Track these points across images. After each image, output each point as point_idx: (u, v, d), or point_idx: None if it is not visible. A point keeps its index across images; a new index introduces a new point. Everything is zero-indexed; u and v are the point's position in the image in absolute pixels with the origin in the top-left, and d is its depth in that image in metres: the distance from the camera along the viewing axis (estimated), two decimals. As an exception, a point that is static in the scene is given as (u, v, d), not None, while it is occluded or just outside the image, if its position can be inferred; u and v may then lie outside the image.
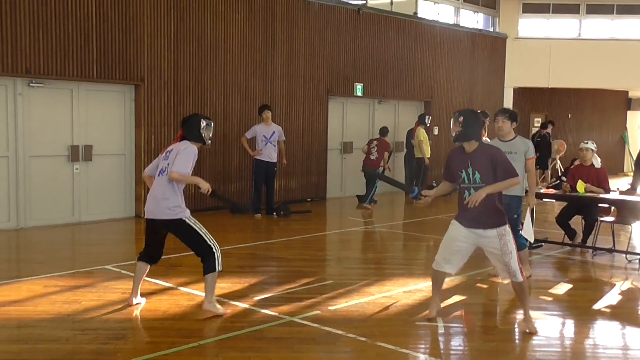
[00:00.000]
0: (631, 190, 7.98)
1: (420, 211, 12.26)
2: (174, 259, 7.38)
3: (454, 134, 5.11)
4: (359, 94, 13.91)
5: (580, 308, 6.01)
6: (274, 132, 10.96)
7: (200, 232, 5.37)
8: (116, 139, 10.49)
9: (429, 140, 13.73)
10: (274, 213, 11.04)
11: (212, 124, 5.63)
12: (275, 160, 11.05)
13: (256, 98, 11.99)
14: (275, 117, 11.44)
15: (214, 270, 5.35)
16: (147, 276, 6.57)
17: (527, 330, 5.16)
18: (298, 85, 12.78)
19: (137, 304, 5.62)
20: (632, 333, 5.41)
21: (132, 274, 6.68)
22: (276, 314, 5.45)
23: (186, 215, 5.36)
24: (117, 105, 10.46)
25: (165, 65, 10.68)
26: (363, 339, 4.90)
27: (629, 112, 22.76)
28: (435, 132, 15.58)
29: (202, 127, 5.46)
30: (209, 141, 5.59)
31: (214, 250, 5.36)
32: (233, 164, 11.74)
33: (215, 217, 10.84)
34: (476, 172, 5.02)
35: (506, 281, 5.52)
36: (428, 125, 13.60)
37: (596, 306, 6.05)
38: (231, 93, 11.65)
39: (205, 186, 5.44)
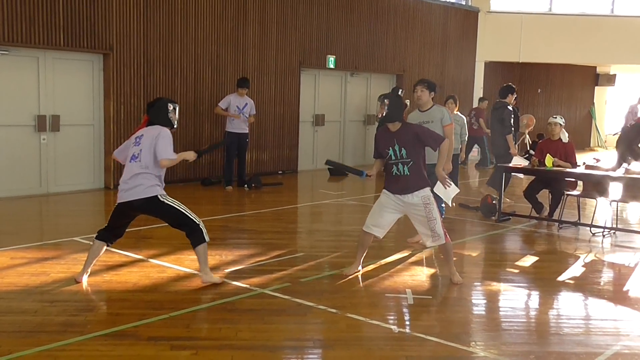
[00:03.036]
0: (615, 167, 8.13)
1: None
2: (145, 230, 7.34)
3: (380, 116, 5.79)
4: (332, 66, 13.85)
5: (545, 280, 6.15)
6: (246, 103, 10.91)
7: (180, 209, 5.34)
8: (84, 109, 10.31)
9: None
10: (246, 185, 11.02)
11: (178, 107, 5.60)
12: (247, 131, 11.00)
13: (227, 69, 11.86)
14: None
15: (204, 241, 5.39)
16: (117, 248, 6.56)
17: (455, 282, 5.77)
18: (270, 57, 12.67)
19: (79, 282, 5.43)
20: (595, 304, 5.57)
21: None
22: (247, 286, 5.48)
23: (161, 192, 5.30)
24: (85, 74, 10.26)
25: (135, 34, 10.48)
26: (334, 310, 4.95)
27: (596, 88, 23.06)
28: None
29: (169, 111, 5.44)
30: (176, 124, 5.56)
31: (198, 222, 5.38)
32: (204, 135, 11.64)
33: (186, 189, 10.79)
34: (402, 148, 5.58)
35: (429, 244, 5.86)
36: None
37: (561, 278, 6.20)
38: (202, 63, 11.50)
39: (191, 156, 5.53)
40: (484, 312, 5.31)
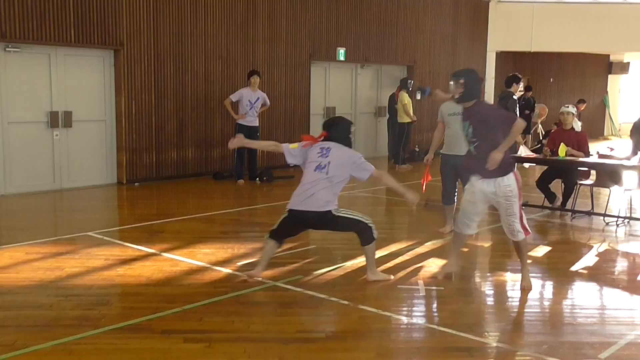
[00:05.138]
0: (629, 156, 8.06)
1: (403, 176, 12.32)
2: (157, 225, 7.39)
3: (457, 96, 5.24)
4: (342, 58, 13.82)
5: (559, 270, 6.13)
6: (258, 98, 10.93)
7: (350, 216, 5.35)
8: (96, 105, 10.37)
9: (412, 104, 13.71)
10: (257, 178, 11.04)
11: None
12: (257, 125, 11.02)
13: (238, 62, 11.87)
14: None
15: (372, 240, 5.37)
16: (131, 242, 6.61)
17: (523, 287, 5.37)
18: (280, 50, 12.66)
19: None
20: (608, 293, 5.54)
21: (116, 241, 6.73)
22: (259, 278, 5.50)
23: (334, 207, 5.29)
24: (97, 70, 10.31)
25: (145, 30, 10.51)
26: (345, 302, 4.96)
27: (609, 76, 22.88)
28: (418, 97, 15.57)
29: (351, 132, 5.51)
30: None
31: (367, 223, 5.36)
32: (215, 129, 11.67)
33: (198, 183, 10.83)
34: (470, 126, 5.22)
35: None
36: (410, 89, 13.57)
37: (574, 268, 6.17)
38: (212, 57, 11.52)
39: (412, 197, 5.47)
40: (496, 303, 5.30)
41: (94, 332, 4.28)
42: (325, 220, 5.27)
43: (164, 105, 10.89)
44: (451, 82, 5.26)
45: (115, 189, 10.29)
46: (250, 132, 10.93)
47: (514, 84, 9.52)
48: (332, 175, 5.23)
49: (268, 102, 11.19)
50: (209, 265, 5.87)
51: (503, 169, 5.14)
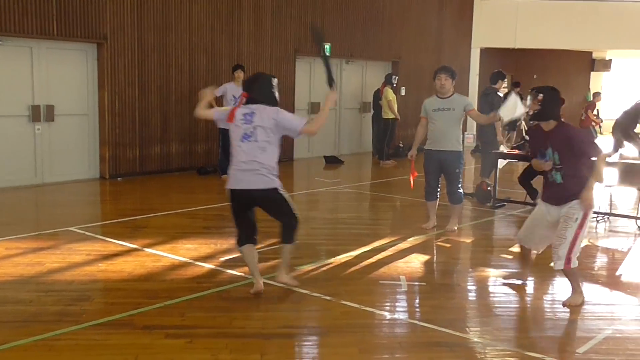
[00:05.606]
0: (611, 153, 8.14)
1: (386, 172, 12.37)
2: (140, 220, 7.35)
3: (531, 112, 4.91)
4: (327, 53, 13.77)
5: (538, 265, 6.17)
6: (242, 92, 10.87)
7: (289, 203, 4.94)
8: (79, 99, 10.28)
9: (396, 100, 13.74)
10: (241, 174, 10.99)
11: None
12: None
13: (223, 57, 11.83)
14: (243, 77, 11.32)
15: (295, 239, 5.03)
16: (113, 238, 6.58)
17: (569, 304, 4.97)
18: (265, 44, 12.63)
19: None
20: (588, 289, 5.58)
21: (98, 236, 6.69)
22: (242, 274, 5.50)
23: (279, 184, 4.88)
24: (79, 64, 10.22)
25: (129, 23, 10.44)
26: (328, 297, 4.97)
27: (592, 74, 23.08)
28: (403, 92, 15.61)
29: (273, 87, 4.93)
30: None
31: (297, 220, 4.99)
32: (200, 124, 11.62)
33: (182, 178, 10.79)
34: (555, 152, 4.86)
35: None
36: (395, 85, 13.60)
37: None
38: (197, 52, 11.47)
39: (333, 96, 5.06)
40: (478, 299, 5.34)
41: (74, 327, 4.26)
42: (271, 198, 4.84)
43: (147, 99, 10.83)
44: (529, 96, 4.93)
45: (97, 183, 10.22)
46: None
47: (499, 81, 9.58)
48: (262, 142, 4.72)
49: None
50: (191, 261, 5.85)
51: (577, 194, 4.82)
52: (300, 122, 4.87)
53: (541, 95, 4.81)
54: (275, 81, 5.00)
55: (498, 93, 9.48)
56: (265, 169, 4.76)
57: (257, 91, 4.89)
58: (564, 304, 4.97)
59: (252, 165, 4.74)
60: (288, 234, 5.01)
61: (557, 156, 4.84)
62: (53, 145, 10.02)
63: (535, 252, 5.51)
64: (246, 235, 5.01)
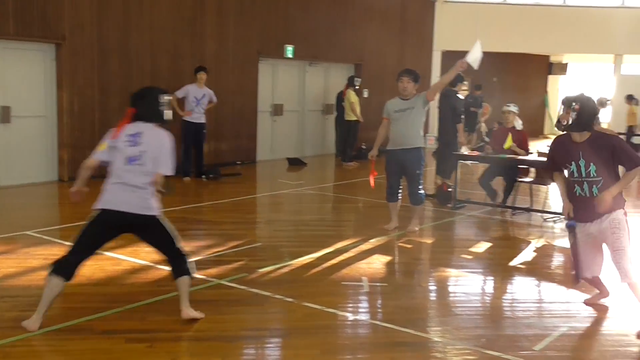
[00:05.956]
0: None
1: (350, 173, 12.43)
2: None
3: (565, 123, 4.55)
4: (290, 55, 13.81)
5: (498, 265, 6.30)
6: (204, 94, 10.83)
7: (170, 232, 4.54)
8: (36, 100, 10.06)
9: (359, 102, 13.82)
10: (204, 176, 10.94)
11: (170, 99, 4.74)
12: (204, 122, 10.92)
13: (186, 58, 11.73)
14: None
15: (188, 272, 4.54)
16: (70, 241, 6.41)
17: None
18: (228, 46, 12.57)
19: None
20: (545, 287, 5.73)
21: (56, 240, 6.56)
22: (204, 277, 5.46)
23: (158, 212, 4.51)
24: (37, 64, 10.00)
25: (89, 23, 10.27)
26: (291, 299, 4.98)
27: (549, 77, 23.57)
28: (365, 94, 15.70)
29: (161, 104, 4.54)
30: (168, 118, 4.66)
31: (182, 252, 4.56)
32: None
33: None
34: (590, 164, 4.51)
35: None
36: (357, 87, 13.67)
37: (513, 263, 6.35)
38: (159, 53, 11.34)
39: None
40: (439, 298, 5.41)
41: (31, 334, 4.17)
42: (149, 226, 4.44)
43: (108, 101, 10.65)
44: (562, 105, 4.60)
45: (56, 186, 10.03)
46: (197, 129, 10.85)
47: (458, 83, 9.72)
48: (149, 168, 4.36)
49: (215, 99, 11.10)
50: (152, 264, 5.79)
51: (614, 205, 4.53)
52: (167, 168, 4.43)
53: (578, 104, 4.49)
54: (164, 98, 4.57)
55: (458, 95, 9.63)
56: (146, 198, 4.37)
57: (143, 107, 4.49)
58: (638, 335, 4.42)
59: (133, 189, 4.35)
60: (178, 267, 4.52)
61: (593, 168, 4.51)
62: (10, 148, 9.78)
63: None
64: (75, 264, 4.36)
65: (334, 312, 4.77)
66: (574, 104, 4.49)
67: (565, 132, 4.66)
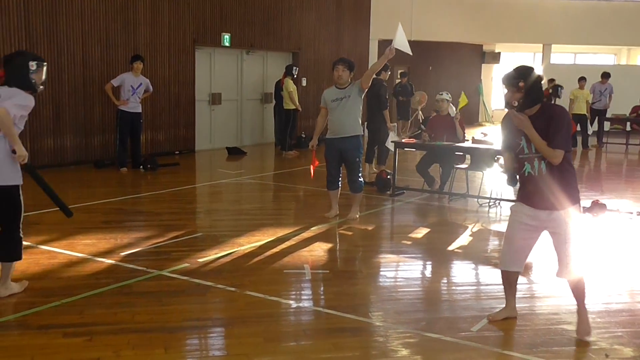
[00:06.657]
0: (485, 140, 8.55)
1: (289, 162, 12.44)
2: (33, 216, 7.01)
3: (516, 104, 4.06)
4: (227, 44, 13.66)
5: (437, 250, 6.45)
6: (140, 83, 10.61)
7: (22, 208, 4.53)
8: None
9: (297, 91, 13.82)
10: (141, 166, 10.73)
11: (46, 65, 4.63)
12: (140, 111, 10.70)
13: (118, 46, 11.43)
14: (140, 67, 11.00)
15: (18, 259, 4.60)
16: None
17: (586, 338, 4.21)
18: (163, 34, 12.32)
19: None
20: (482, 270, 5.90)
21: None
22: (144, 268, 5.38)
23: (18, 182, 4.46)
24: (-40, 51, 9.56)
25: (14, 7, 9.85)
26: (232, 289, 4.97)
27: (483, 65, 24.17)
28: (304, 83, 15.71)
29: (31, 71, 4.43)
30: (41, 87, 4.58)
31: (21, 235, 4.59)
32: (95, 116, 11.19)
33: (78, 172, 10.37)
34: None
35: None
36: (295, 76, 13.67)
37: (451, 247, 6.52)
38: (90, 40, 11.01)
39: (22, 153, 4.43)
40: (379, 284, 5.50)
41: (-38, 331, 4.02)
42: (7, 199, 4.46)
43: (37, 90, 10.27)
44: (502, 85, 4.17)
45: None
46: (133, 119, 10.62)
47: (382, 72, 10.00)
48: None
49: (151, 88, 10.89)
50: (89, 257, 5.66)
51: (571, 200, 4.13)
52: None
53: (521, 82, 4.03)
54: (34, 64, 4.44)
55: (384, 83, 10.12)
56: (6, 167, 4.36)
57: (10, 72, 4.40)
58: (586, 338, 4.22)
59: None
60: (6, 250, 4.49)
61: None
62: None
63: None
64: None
65: (276, 300, 4.79)
66: (518, 82, 4.04)
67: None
